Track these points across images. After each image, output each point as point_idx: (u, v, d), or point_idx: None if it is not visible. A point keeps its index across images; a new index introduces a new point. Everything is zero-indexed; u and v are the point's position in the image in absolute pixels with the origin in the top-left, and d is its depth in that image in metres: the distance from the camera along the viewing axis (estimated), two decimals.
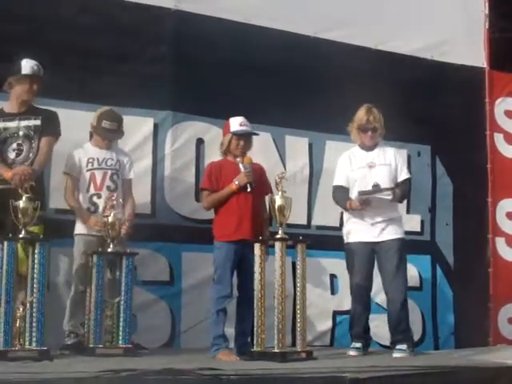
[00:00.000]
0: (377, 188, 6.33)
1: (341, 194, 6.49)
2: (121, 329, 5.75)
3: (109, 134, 6.21)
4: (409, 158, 7.83)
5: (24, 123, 5.87)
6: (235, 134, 6.08)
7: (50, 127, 5.93)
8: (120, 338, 5.75)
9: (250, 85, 7.21)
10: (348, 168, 6.52)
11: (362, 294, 6.36)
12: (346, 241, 6.49)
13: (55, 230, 5.91)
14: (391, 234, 6.35)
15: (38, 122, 5.89)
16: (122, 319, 5.76)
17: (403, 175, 6.49)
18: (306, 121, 7.46)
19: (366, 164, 6.45)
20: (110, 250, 5.86)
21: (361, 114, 6.53)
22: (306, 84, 7.44)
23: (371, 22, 7.86)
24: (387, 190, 6.29)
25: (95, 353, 5.59)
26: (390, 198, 6.29)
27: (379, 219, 6.33)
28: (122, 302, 5.76)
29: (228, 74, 7.13)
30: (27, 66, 5.89)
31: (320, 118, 7.48)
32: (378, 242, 6.33)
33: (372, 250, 6.35)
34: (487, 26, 8.68)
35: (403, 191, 6.47)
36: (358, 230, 6.39)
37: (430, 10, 8.21)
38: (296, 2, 7.49)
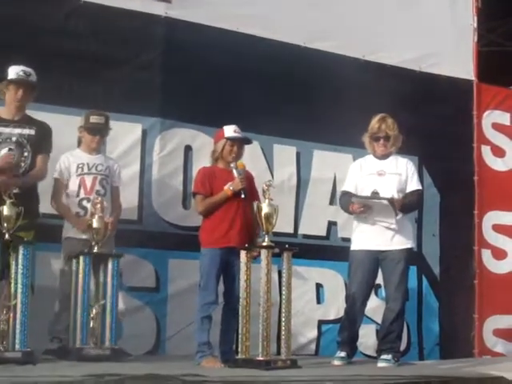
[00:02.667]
0: (374, 196, 6.31)
1: (346, 199, 6.48)
2: (107, 330, 5.70)
3: (97, 129, 6.22)
4: None
5: (17, 130, 5.87)
6: (230, 139, 6.10)
7: (47, 144, 5.98)
8: (106, 339, 5.71)
9: (239, 93, 7.25)
10: (358, 174, 6.51)
11: (357, 302, 6.34)
12: (351, 248, 6.48)
13: (42, 235, 5.91)
14: (399, 243, 6.33)
15: (32, 132, 5.90)
16: (107, 321, 5.71)
17: (412, 186, 6.46)
18: (294, 130, 7.48)
19: (376, 172, 6.43)
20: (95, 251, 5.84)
21: (374, 123, 6.52)
22: (295, 93, 7.47)
23: (361, 32, 7.90)
24: (384, 199, 6.25)
25: (82, 353, 5.54)
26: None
27: (387, 227, 6.29)
28: (108, 304, 5.72)
29: (217, 82, 7.16)
30: (13, 71, 5.89)
31: (308, 128, 7.52)
32: (385, 251, 6.31)
33: (376, 259, 6.34)
34: (475, 39, 8.73)
35: (408, 202, 6.40)
36: (364, 238, 6.37)
37: (419, 21, 8.26)
38: (286, 12, 7.53)
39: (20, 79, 5.89)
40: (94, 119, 6.20)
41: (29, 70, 5.91)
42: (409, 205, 6.45)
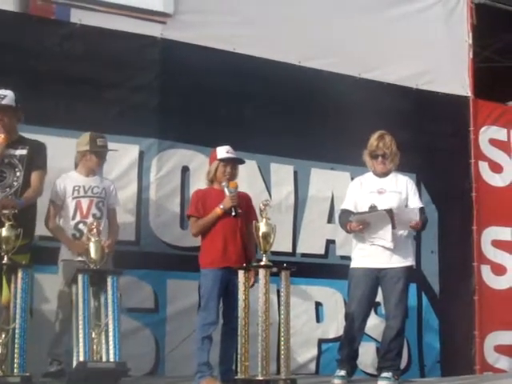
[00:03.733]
0: (373, 209, 6.30)
1: (345, 217, 6.46)
2: (110, 347, 5.54)
3: (105, 150, 6.25)
4: None
5: (9, 152, 5.85)
6: (222, 160, 6.13)
7: (40, 160, 5.96)
8: (110, 356, 5.55)
9: (236, 113, 7.29)
10: (358, 192, 6.50)
11: (357, 320, 6.31)
12: (351, 266, 6.47)
13: (39, 257, 5.90)
14: (399, 261, 6.30)
15: (23, 152, 5.88)
16: (110, 339, 5.56)
17: (414, 204, 6.42)
18: (291, 148, 7.49)
19: (377, 190, 6.42)
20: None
21: (372, 141, 6.51)
22: (291, 112, 7.50)
23: (356, 50, 7.93)
24: (384, 210, 6.23)
25: (87, 366, 5.38)
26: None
27: (386, 245, 6.27)
28: (109, 322, 5.63)
29: (214, 102, 7.19)
30: None
31: (305, 146, 7.53)
32: (385, 269, 6.29)
33: (376, 277, 6.32)
34: (471, 56, 8.76)
35: (424, 219, 6.39)
36: (364, 256, 6.35)
37: (415, 39, 8.30)
38: (281, 31, 7.56)
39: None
40: (100, 142, 6.21)
41: (5, 92, 5.85)
42: (424, 223, 6.43)
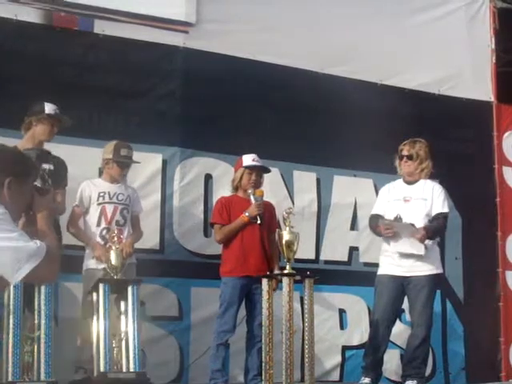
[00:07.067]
0: (397, 220, 6.29)
1: (375, 221, 6.48)
2: (130, 356, 5.61)
3: (127, 161, 6.26)
4: None
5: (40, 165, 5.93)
6: (247, 168, 6.15)
7: (64, 179, 6.03)
8: (130, 366, 5.62)
9: (258, 120, 7.31)
10: (385, 199, 6.52)
11: (382, 327, 6.32)
12: (377, 272, 6.47)
13: (64, 265, 5.91)
14: (424, 269, 6.29)
15: (51, 167, 5.92)
16: (130, 348, 5.62)
17: (437, 209, 6.38)
18: (314, 156, 7.50)
19: (403, 198, 6.41)
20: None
21: (402, 145, 6.55)
22: (313, 119, 7.51)
23: (377, 56, 7.92)
24: (407, 224, 6.21)
25: (108, 377, 5.47)
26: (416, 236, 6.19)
27: (411, 253, 6.26)
28: (129, 331, 5.65)
29: (236, 110, 7.22)
30: (51, 107, 5.95)
31: (328, 153, 7.54)
32: (409, 277, 6.29)
33: (401, 285, 6.32)
34: (494, 61, 8.71)
35: (434, 228, 6.35)
36: (390, 263, 6.36)
37: (437, 44, 8.26)
38: (302, 38, 7.57)
39: (57, 117, 5.96)
40: (124, 152, 6.21)
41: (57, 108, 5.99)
42: (434, 231, 6.39)
